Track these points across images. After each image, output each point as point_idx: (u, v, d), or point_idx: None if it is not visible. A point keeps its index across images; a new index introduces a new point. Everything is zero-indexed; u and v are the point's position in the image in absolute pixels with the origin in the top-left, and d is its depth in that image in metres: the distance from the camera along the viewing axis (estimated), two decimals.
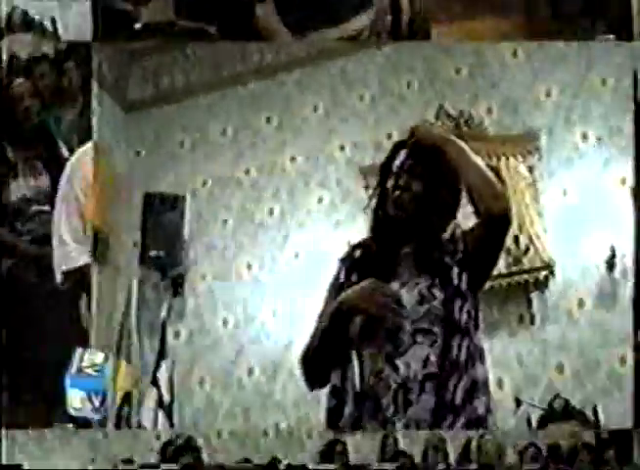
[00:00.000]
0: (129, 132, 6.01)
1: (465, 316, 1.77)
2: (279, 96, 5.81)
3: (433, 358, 1.73)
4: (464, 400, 1.70)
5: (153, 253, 5.27)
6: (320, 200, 5.50)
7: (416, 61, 5.51)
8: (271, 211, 5.59)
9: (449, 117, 5.20)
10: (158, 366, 5.02)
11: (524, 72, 5.26)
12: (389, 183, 1.90)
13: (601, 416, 4.44)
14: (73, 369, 3.78)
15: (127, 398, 4.87)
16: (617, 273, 4.69)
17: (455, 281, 1.79)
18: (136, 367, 5.15)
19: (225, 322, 5.43)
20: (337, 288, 1.88)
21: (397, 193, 1.87)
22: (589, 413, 4.47)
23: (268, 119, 5.78)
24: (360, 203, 4.97)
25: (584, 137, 5.03)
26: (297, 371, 4.96)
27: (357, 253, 1.93)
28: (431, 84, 5.44)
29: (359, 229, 4.69)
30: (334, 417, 1.81)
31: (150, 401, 4.92)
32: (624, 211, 4.62)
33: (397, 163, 1.91)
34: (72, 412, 3.78)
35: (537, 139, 5.06)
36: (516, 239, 4.85)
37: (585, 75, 5.11)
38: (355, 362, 1.75)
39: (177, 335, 5.48)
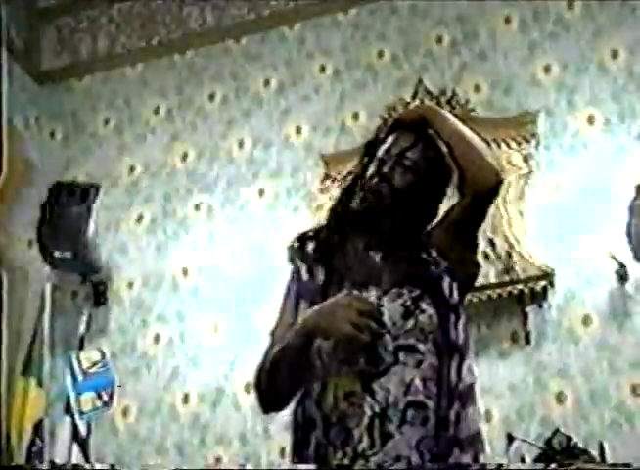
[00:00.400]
0: (42, 109, 5.41)
1: (462, 334, 1.64)
2: (224, 67, 5.21)
3: (417, 383, 1.56)
4: (474, 435, 1.58)
5: (57, 254, 4.73)
6: (272, 193, 4.85)
7: (389, 27, 4.92)
8: (210, 207, 4.93)
9: (429, 94, 4.59)
10: None
11: (518, 43, 4.70)
12: (370, 170, 1.76)
13: (608, 456, 3.85)
14: (79, 375, 4.06)
15: (38, 428, 4.36)
16: (629, 286, 4.09)
17: (447, 292, 1.66)
18: (48, 391, 4.53)
19: (157, 338, 4.75)
20: (299, 288, 1.73)
21: (375, 181, 1.73)
22: (594, 452, 3.88)
23: (211, 95, 5.18)
24: (320, 197, 4.60)
25: (590, 121, 4.44)
26: (243, 398, 4.12)
27: (310, 246, 1.76)
28: (406, 55, 4.85)
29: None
30: (300, 447, 1.63)
31: (63, 433, 4.36)
32: None
33: (385, 146, 1.77)
34: (80, 418, 4.12)
35: (534, 123, 4.45)
36: (506, 241, 4.24)
37: (592, 47, 4.55)
38: (320, 383, 1.60)
39: None
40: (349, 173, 4.37)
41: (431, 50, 4.81)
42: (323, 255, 1.74)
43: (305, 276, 1.73)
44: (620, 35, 4.48)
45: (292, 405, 1.72)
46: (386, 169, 1.73)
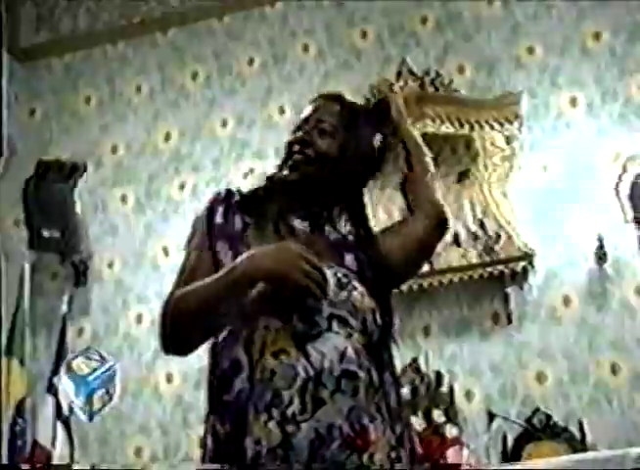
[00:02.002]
0: (22, 86, 5.26)
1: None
2: (206, 46, 5.07)
3: (351, 352, 1.49)
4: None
5: (45, 233, 4.67)
6: (255, 173, 4.71)
7: (373, 7, 4.82)
8: (195, 186, 4.84)
9: (413, 75, 4.51)
10: (55, 370, 4.29)
11: (502, 24, 4.63)
12: (292, 136, 1.71)
13: (588, 434, 3.89)
14: (84, 379, 4.04)
15: (20, 407, 4.29)
16: (607, 266, 4.10)
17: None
18: (31, 371, 4.44)
19: (139, 318, 4.67)
20: (212, 230, 1.64)
21: (298, 147, 1.67)
22: (575, 430, 3.91)
23: (194, 74, 5.05)
24: None
25: (573, 103, 4.41)
26: None
27: (236, 197, 1.69)
28: (391, 36, 4.77)
29: None
30: (219, 390, 1.50)
31: (46, 413, 4.24)
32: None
33: (304, 114, 1.73)
34: (89, 419, 4.07)
35: (517, 104, 4.35)
36: (487, 224, 4.26)
37: (575, 29, 4.50)
38: (247, 330, 1.50)
39: (80, 333, 4.71)
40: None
41: (414, 31, 4.72)
42: (247, 206, 1.67)
43: (219, 219, 1.66)
44: (603, 17, 4.43)
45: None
46: (304, 134, 1.68)
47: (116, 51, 5.22)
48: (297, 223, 1.66)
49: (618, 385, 3.95)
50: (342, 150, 1.68)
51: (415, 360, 4.11)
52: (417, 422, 3.92)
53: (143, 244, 4.78)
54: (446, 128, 4.30)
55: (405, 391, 4.06)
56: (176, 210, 4.78)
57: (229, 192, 1.70)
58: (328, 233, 1.68)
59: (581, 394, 4.00)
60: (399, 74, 4.51)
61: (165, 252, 4.72)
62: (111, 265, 4.80)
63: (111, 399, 4.08)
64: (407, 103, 4.30)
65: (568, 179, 4.24)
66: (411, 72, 4.51)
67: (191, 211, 4.65)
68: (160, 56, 5.13)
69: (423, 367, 4.10)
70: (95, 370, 4.14)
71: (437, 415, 3.98)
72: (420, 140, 1.85)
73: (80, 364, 4.14)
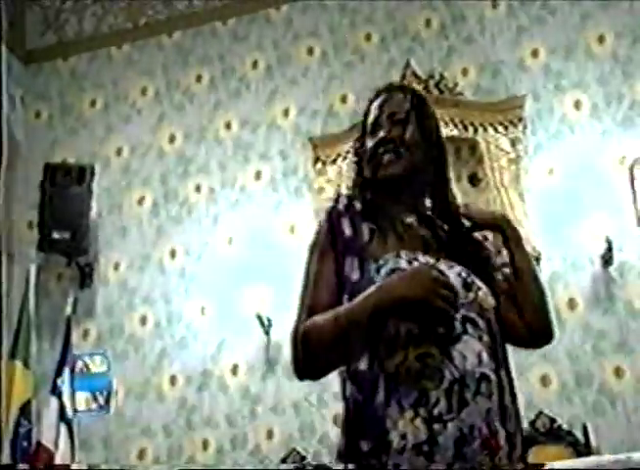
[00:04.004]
0: (28, 89, 5.27)
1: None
2: (211, 49, 5.08)
3: (485, 356, 1.52)
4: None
5: (55, 235, 4.68)
6: (259, 175, 4.75)
7: (377, 10, 4.82)
8: (198, 188, 4.84)
9: (417, 78, 4.51)
10: (60, 372, 4.30)
11: (506, 27, 4.62)
12: (368, 141, 1.70)
13: (592, 437, 3.85)
14: (78, 372, 4.11)
15: (25, 409, 4.29)
16: (613, 269, 4.07)
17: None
18: (35, 372, 4.43)
19: (143, 321, 4.68)
20: (343, 244, 1.60)
21: (382, 149, 1.66)
22: (579, 434, 3.89)
23: (198, 77, 5.06)
24: (307, 179, 4.58)
25: (577, 105, 4.39)
26: (230, 380, 4.01)
27: (358, 205, 1.66)
28: (395, 38, 4.76)
29: (304, 210, 4.29)
30: (359, 411, 1.50)
31: (50, 414, 4.24)
32: (623, 196, 4.10)
33: (375, 109, 1.73)
34: (74, 416, 4.09)
35: (522, 107, 4.36)
36: None
37: (579, 32, 4.49)
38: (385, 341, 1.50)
39: (85, 335, 4.72)
40: (339, 155, 4.36)
41: (419, 33, 4.71)
42: (370, 213, 1.65)
43: (348, 231, 1.63)
44: (607, 20, 4.41)
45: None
46: (386, 133, 1.69)
47: (122, 53, 5.22)
48: (410, 220, 1.67)
49: (623, 389, 3.93)
50: (421, 130, 1.71)
51: None
52: None
53: (151, 246, 4.77)
54: (450, 131, 4.29)
55: None
56: (184, 212, 4.78)
57: (350, 200, 1.67)
58: (437, 230, 1.69)
59: (585, 397, 3.97)
60: (403, 77, 4.50)
61: (172, 254, 4.72)
62: (116, 267, 4.80)
63: (101, 408, 4.13)
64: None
65: (572, 182, 4.21)
66: (415, 75, 4.51)
67: (202, 213, 4.71)
68: (165, 58, 5.13)
69: None
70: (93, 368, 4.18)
71: None
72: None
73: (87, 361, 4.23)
